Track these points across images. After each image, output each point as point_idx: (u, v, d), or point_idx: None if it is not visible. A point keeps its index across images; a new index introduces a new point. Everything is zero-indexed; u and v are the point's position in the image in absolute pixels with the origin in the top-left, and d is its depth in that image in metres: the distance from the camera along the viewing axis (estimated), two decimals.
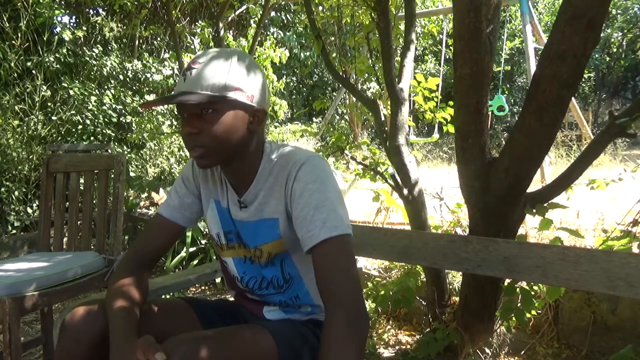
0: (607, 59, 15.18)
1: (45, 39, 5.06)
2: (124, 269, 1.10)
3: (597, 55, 14.45)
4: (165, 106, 5.93)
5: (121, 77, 5.95)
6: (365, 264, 2.73)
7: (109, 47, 6.34)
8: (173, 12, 4.65)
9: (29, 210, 4.62)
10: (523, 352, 2.04)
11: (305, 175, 0.99)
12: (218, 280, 3.16)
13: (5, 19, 4.82)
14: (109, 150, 4.51)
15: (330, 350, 0.84)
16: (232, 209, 1.11)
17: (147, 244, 1.15)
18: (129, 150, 5.70)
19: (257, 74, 1.02)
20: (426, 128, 11.72)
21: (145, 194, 4.69)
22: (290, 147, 1.09)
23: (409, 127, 2.34)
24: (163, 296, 1.65)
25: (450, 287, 2.25)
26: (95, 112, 5.33)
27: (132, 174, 5.16)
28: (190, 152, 0.99)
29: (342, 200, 1.01)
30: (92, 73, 5.66)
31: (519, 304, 1.76)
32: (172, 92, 1.00)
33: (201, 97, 0.93)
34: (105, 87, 5.78)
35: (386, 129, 2.23)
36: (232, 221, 1.12)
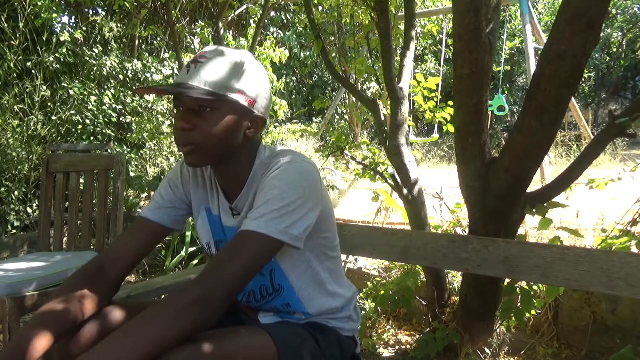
0: (607, 59, 15.17)
1: (44, 38, 5.07)
2: (80, 276, 0.99)
3: (597, 55, 14.44)
4: (166, 106, 5.93)
5: (121, 77, 5.94)
6: (365, 264, 2.73)
7: (109, 47, 6.33)
8: (173, 12, 4.66)
9: (29, 210, 4.62)
10: (523, 352, 2.04)
11: (280, 173, 0.94)
12: None
13: (3, 19, 4.82)
14: (109, 150, 4.51)
15: (154, 309, 0.81)
16: (224, 217, 1.07)
17: (122, 246, 1.06)
18: (129, 150, 5.70)
19: (263, 80, 0.99)
20: (426, 128, 11.72)
21: (145, 194, 4.69)
22: (286, 152, 1.02)
23: (409, 127, 2.34)
24: (163, 297, 1.65)
25: (450, 287, 2.25)
26: (95, 112, 5.33)
27: (132, 174, 5.15)
28: (180, 148, 0.94)
29: (304, 212, 0.92)
30: (92, 73, 5.66)
31: (519, 304, 1.76)
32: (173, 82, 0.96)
33: (201, 92, 0.89)
34: (105, 87, 5.77)
35: (386, 129, 2.24)
36: (223, 229, 1.07)
